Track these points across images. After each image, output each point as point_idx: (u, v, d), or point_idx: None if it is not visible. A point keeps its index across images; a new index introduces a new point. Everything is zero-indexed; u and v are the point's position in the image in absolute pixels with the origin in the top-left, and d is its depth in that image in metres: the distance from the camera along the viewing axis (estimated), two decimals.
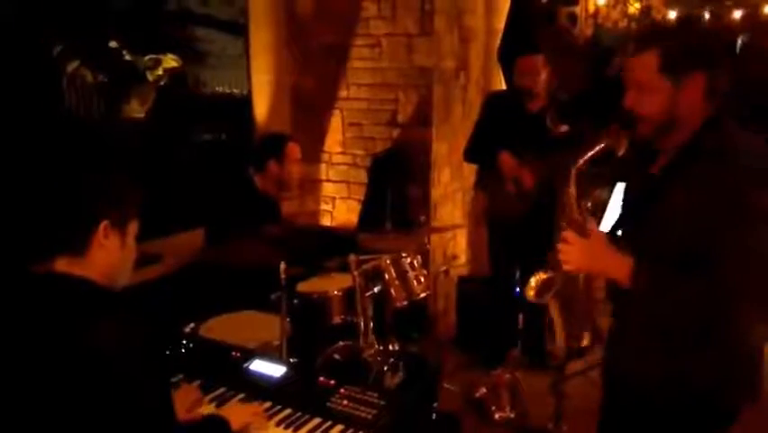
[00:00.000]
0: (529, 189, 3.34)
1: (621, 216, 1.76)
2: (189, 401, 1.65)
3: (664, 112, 1.51)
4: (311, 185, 4.24)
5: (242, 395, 1.76)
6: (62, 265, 1.23)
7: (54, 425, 1.14)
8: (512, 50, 4.24)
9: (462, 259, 4.57)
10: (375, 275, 2.68)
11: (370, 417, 1.60)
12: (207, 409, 1.69)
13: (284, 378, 1.79)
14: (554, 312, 1.93)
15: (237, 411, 1.61)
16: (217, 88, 8.71)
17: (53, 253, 1.23)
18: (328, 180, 4.28)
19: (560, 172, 2.69)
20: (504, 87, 4.60)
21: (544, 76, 3.36)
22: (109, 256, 1.28)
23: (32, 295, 1.21)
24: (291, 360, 2.22)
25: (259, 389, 1.76)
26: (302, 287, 2.83)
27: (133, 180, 1.34)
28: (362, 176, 4.13)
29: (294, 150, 3.08)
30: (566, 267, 1.63)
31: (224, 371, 1.85)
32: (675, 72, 1.47)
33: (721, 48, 1.53)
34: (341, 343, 2.68)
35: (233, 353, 1.92)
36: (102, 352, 1.15)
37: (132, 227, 1.34)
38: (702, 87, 1.49)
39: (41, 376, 1.14)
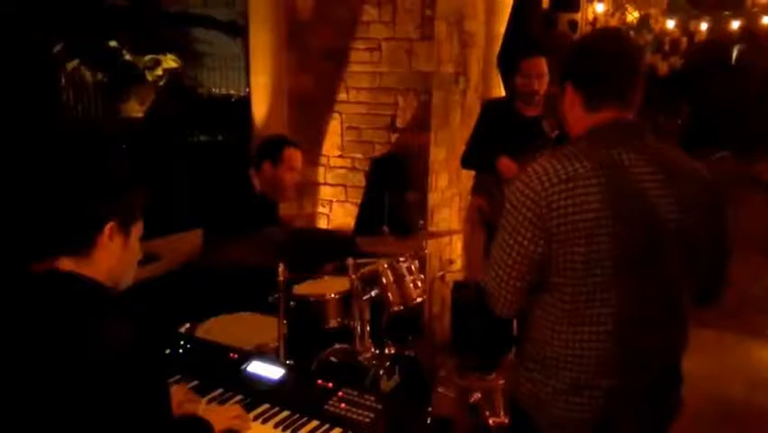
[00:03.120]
0: None
1: None
2: (177, 400, 1.65)
3: (562, 116, 1.69)
4: (308, 188, 4.24)
5: (239, 397, 1.76)
6: (66, 264, 1.23)
7: (54, 422, 1.14)
8: (512, 55, 4.25)
9: (459, 264, 4.57)
10: (372, 279, 2.68)
11: (367, 420, 1.60)
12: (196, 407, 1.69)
13: (282, 380, 1.79)
14: None
15: (218, 413, 1.59)
16: (214, 90, 8.72)
17: (57, 253, 1.23)
18: (326, 184, 4.28)
19: None
20: (503, 93, 4.62)
21: (547, 79, 3.38)
22: (111, 257, 1.28)
23: (37, 292, 1.21)
24: (288, 362, 2.23)
25: (257, 391, 1.76)
26: (299, 289, 2.84)
27: (140, 182, 1.33)
28: (360, 180, 4.14)
29: (292, 156, 3.02)
30: None
31: (222, 372, 1.85)
32: (560, 84, 1.65)
33: (590, 62, 1.59)
34: (337, 346, 2.69)
35: (231, 354, 1.92)
36: (106, 351, 1.15)
37: (136, 229, 1.34)
38: (573, 96, 1.60)
39: (42, 374, 1.14)
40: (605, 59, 1.57)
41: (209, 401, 1.74)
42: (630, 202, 1.49)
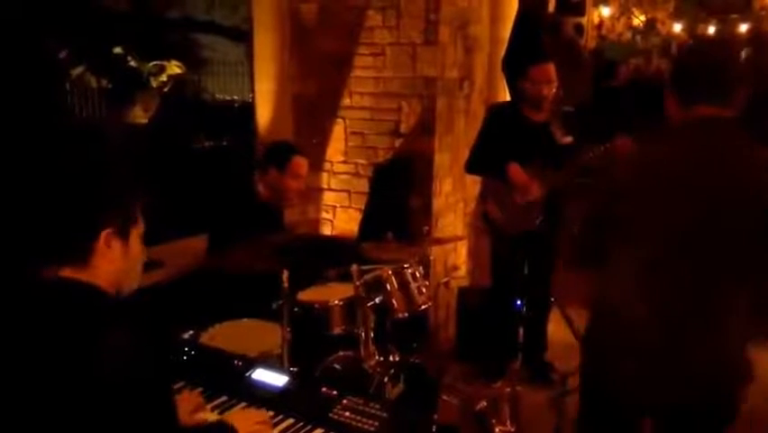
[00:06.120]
0: (537, 200, 3.34)
1: None
2: (192, 406, 1.64)
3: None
4: (312, 193, 4.23)
5: (243, 404, 1.74)
6: (67, 273, 1.21)
7: (57, 430, 1.13)
8: (518, 59, 4.24)
9: (463, 270, 4.55)
10: (376, 285, 2.66)
11: (372, 429, 1.59)
12: (209, 416, 1.67)
13: (287, 388, 1.77)
14: None
15: (243, 418, 1.58)
16: (218, 95, 8.75)
17: (56, 262, 1.21)
18: (329, 189, 4.27)
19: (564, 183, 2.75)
20: (507, 97, 4.61)
21: (555, 84, 3.36)
22: (112, 264, 1.26)
23: (38, 300, 1.19)
24: (292, 369, 2.21)
25: (261, 398, 1.75)
26: (303, 296, 2.82)
27: (136, 184, 1.31)
28: (364, 185, 4.12)
29: (299, 165, 3.01)
30: None
31: (227, 379, 1.84)
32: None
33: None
34: (341, 353, 2.67)
35: (236, 361, 1.90)
36: (108, 359, 1.13)
37: (136, 232, 1.31)
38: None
39: (43, 382, 1.13)
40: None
41: (213, 409, 1.73)
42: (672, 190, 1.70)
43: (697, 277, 1.69)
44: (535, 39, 5.18)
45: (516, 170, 3.34)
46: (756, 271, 1.69)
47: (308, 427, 1.63)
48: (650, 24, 7.72)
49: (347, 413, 1.64)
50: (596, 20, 6.84)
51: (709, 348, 1.71)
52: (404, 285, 2.69)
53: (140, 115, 6.45)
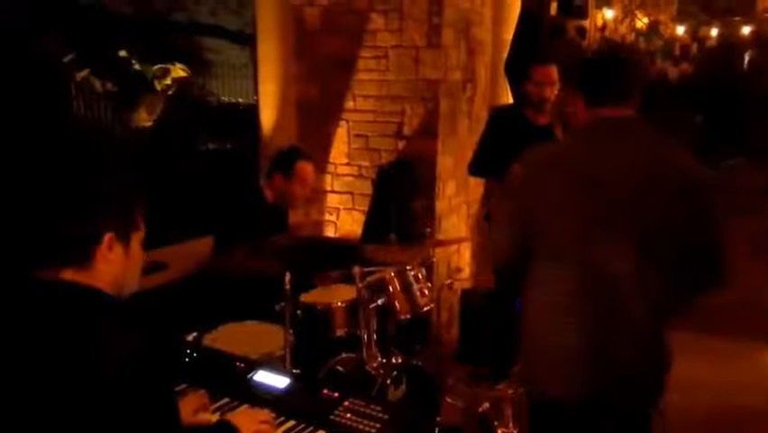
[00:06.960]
0: None
1: None
2: (196, 406, 1.64)
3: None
4: (316, 196, 4.24)
5: (245, 406, 1.75)
6: (68, 275, 1.22)
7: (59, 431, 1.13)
8: (520, 62, 4.24)
9: (466, 272, 4.55)
10: (379, 287, 2.67)
11: (373, 431, 1.59)
12: (211, 417, 1.68)
13: (288, 389, 1.78)
14: None
15: (246, 417, 1.59)
16: (222, 98, 8.78)
17: (57, 265, 1.22)
18: (333, 191, 4.28)
19: None
20: (510, 99, 4.61)
21: (558, 86, 3.37)
22: (114, 267, 1.27)
23: (40, 302, 1.20)
24: (294, 371, 2.22)
25: (263, 400, 1.75)
26: (306, 298, 2.83)
27: (138, 188, 1.32)
28: (367, 187, 4.13)
29: (304, 169, 3.00)
30: None
31: (229, 381, 1.84)
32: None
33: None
34: (344, 354, 2.68)
35: (238, 363, 1.91)
36: (110, 360, 1.14)
37: (137, 237, 1.32)
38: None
39: (44, 384, 1.14)
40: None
41: (215, 410, 1.74)
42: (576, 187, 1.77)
43: (607, 272, 1.72)
44: (535, 42, 5.18)
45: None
46: (668, 262, 1.72)
47: (310, 429, 1.64)
48: (653, 27, 7.71)
49: (349, 415, 1.65)
50: (599, 22, 6.83)
51: (629, 343, 1.74)
52: (407, 287, 2.69)
53: (144, 118, 6.47)
